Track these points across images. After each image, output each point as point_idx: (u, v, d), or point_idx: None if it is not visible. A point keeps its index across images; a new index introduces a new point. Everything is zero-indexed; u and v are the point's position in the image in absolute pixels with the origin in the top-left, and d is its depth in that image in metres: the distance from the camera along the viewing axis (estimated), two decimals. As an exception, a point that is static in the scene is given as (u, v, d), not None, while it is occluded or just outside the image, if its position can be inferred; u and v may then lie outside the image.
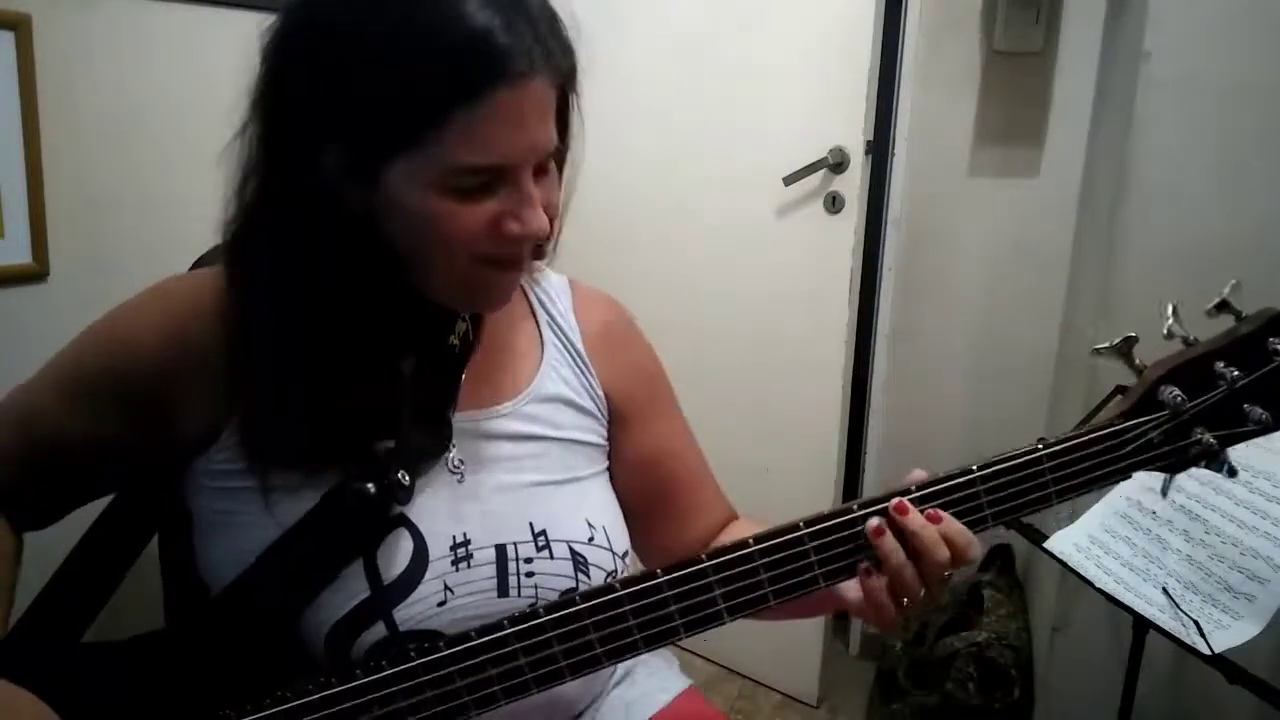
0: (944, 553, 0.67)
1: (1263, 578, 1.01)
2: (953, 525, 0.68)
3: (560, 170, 0.73)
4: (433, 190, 0.65)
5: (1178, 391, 0.70)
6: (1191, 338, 0.72)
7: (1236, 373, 0.70)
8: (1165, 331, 0.72)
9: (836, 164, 1.81)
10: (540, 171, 0.69)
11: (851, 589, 0.74)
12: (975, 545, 0.69)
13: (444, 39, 0.62)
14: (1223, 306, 0.72)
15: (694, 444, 0.93)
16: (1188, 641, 1.00)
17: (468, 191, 0.66)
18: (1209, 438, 0.70)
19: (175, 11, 1.40)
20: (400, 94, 0.62)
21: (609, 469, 0.87)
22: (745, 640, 2.05)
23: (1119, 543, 1.14)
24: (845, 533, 0.69)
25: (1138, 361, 0.72)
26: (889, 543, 0.68)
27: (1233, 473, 0.72)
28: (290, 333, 0.69)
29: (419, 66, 0.62)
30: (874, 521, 0.68)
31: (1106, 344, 0.72)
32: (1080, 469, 0.70)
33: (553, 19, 0.67)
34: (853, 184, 1.82)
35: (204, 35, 1.42)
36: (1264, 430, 0.71)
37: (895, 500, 0.68)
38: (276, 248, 0.68)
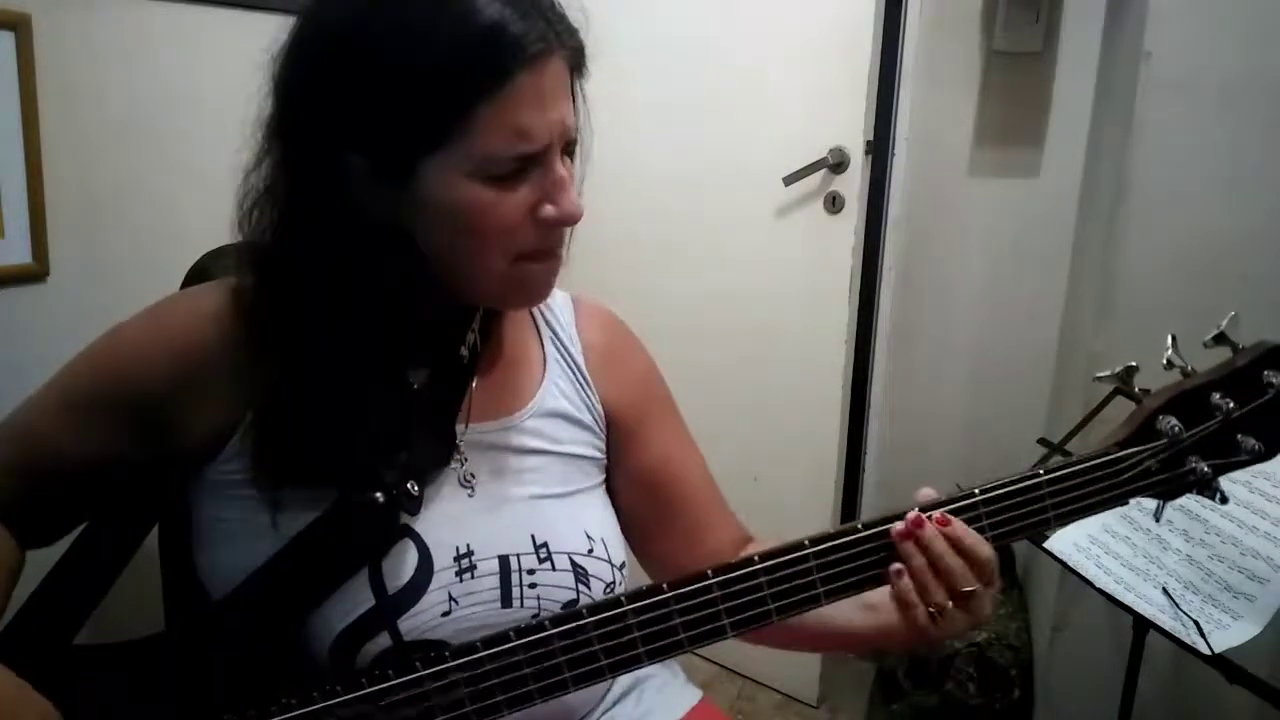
0: (956, 560, 0.69)
1: (1262, 578, 1.01)
2: (960, 527, 0.70)
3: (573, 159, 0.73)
4: (467, 180, 0.65)
5: (1175, 421, 0.72)
6: (1189, 368, 0.74)
7: (1232, 404, 0.72)
8: (1165, 362, 0.74)
9: (836, 164, 1.81)
10: (565, 156, 0.70)
11: (880, 618, 0.75)
12: (983, 545, 0.70)
13: (460, 36, 0.62)
14: (1220, 339, 0.74)
15: (698, 457, 0.93)
16: (1188, 641, 1.00)
17: (502, 179, 0.66)
18: (1204, 467, 0.73)
19: (175, 11, 1.40)
20: (425, 95, 0.63)
21: (611, 483, 0.87)
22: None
23: (1119, 543, 1.14)
24: (849, 551, 0.70)
25: (1137, 390, 0.75)
26: (909, 546, 0.69)
27: (1224, 500, 0.74)
28: (316, 348, 0.69)
29: (439, 67, 0.62)
30: (898, 526, 0.69)
31: (1107, 372, 0.75)
32: (1079, 495, 0.72)
33: (554, 1, 0.68)
34: (853, 184, 1.82)
35: (204, 35, 1.42)
36: (1256, 460, 0.73)
37: (913, 514, 0.69)
38: (305, 263, 0.68)
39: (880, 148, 1.91)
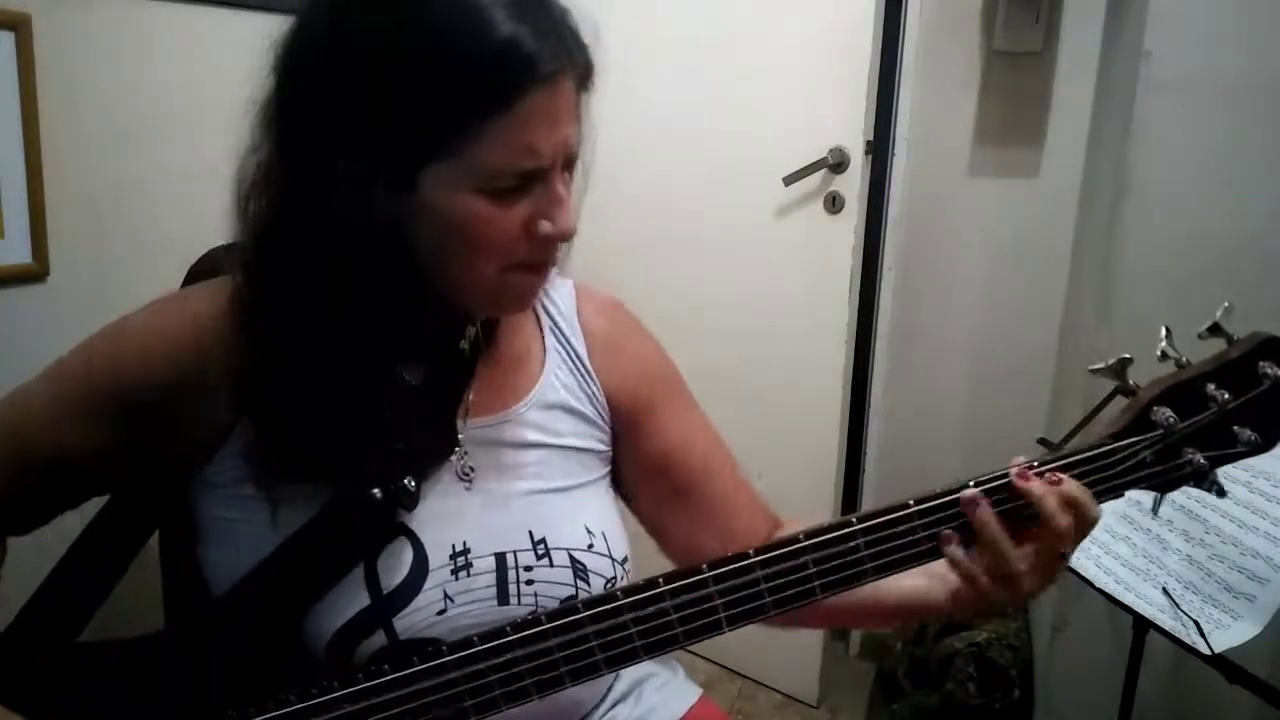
0: (1066, 519, 0.68)
1: (1263, 578, 1.01)
2: (1071, 485, 0.69)
3: (572, 174, 0.73)
4: (469, 193, 0.65)
5: (1170, 413, 0.72)
6: (1184, 359, 0.74)
7: (1227, 395, 0.72)
8: (1159, 353, 0.74)
9: (836, 164, 1.81)
10: (564, 172, 0.70)
11: (936, 587, 0.76)
12: (1095, 506, 0.70)
13: (476, 49, 0.62)
14: (1215, 329, 0.73)
15: (714, 440, 0.92)
16: (1188, 641, 1.00)
17: (503, 193, 0.66)
18: (1199, 458, 0.73)
19: (175, 11, 1.40)
20: (436, 105, 0.63)
21: (624, 474, 0.87)
22: (745, 640, 2.04)
23: (1119, 543, 1.14)
24: (841, 546, 0.69)
25: (1131, 382, 0.74)
26: (1043, 494, 0.68)
27: (1221, 493, 0.74)
28: (312, 348, 0.68)
29: (453, 78, 0.62)
30: (1016, 472, 0.69)
31: (1102, 364, 0.74)
32: None
33: (566, 15, 0.68)
34: (853, 184, 1.82)
35: (204, 35, 1.42)
36: (1253, 451, 0.73)
37: (1017, 470, 0.70)
38: (301, 262, 0.68)
39: (880, 148, 1.91)
